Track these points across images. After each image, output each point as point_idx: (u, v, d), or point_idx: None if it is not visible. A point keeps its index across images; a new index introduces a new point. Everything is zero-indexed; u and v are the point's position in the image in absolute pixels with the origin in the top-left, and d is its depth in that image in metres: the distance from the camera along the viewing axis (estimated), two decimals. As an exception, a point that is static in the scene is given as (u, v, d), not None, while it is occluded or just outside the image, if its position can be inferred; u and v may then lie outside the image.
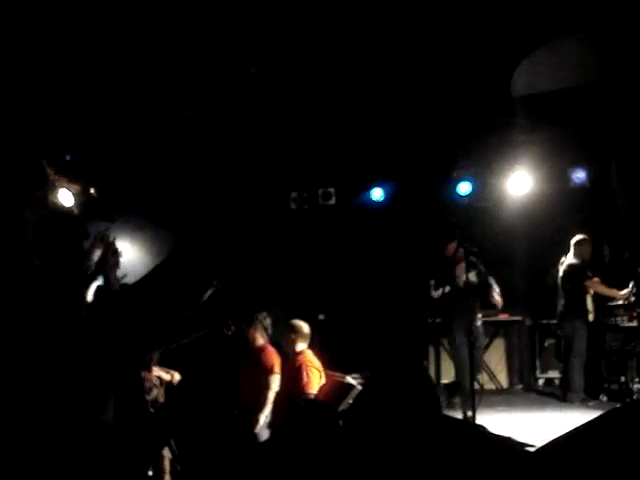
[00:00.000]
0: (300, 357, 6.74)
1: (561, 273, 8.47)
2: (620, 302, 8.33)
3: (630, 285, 7.99)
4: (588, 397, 8.16)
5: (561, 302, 8.44)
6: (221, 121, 8.45)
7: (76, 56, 6.87)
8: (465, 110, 8.55)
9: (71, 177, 7.92)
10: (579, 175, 9.18)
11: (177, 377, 6.58)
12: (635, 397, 7.60)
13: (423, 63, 7.71)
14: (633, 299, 8.00)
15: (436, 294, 8.23)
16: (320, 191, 9.77)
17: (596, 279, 8.39)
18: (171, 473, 5.88)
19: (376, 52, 7.45)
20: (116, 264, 4.01)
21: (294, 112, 8.60)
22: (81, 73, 7.09)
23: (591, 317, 8.38)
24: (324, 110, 8.60)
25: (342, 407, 5.40)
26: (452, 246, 7.78)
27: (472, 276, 7.57)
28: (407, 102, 8.42)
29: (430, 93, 8.21)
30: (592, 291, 8.42)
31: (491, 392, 9.08)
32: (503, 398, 8.74)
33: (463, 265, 7.29)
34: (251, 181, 9.52)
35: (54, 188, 5.12)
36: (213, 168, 8.97)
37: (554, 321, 8.91)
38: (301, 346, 6.84)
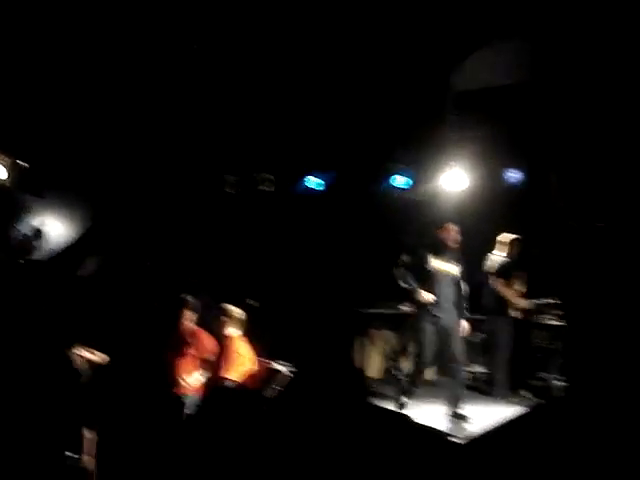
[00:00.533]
0: (227, 342, 6.68)
1: (486, 269, 8.57)
2: (547, 301, 8.49)
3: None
4: (512, 393, 8.30)
5: (486, 298, 8.54)
6: (161, 99, 8.31)
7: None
8: (406, 104, 8.59)
9: (2, 150, 7.70)
10: (514, 175, 9.33)
11: (102, 358, 6.44)
12: (556, 394, 7.78)
13: (367, 56, 7.71)
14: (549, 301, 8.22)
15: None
16: (257, 176, 9.71)
17: (501, 279, 8.48)
18: (95, 455, 5.75)
19: (319, 39, 7.41)
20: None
21: (238, 97, 8.51)
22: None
23: (516, 314, 8.48)
24: (267, 96, 8.54)
25: (268, 393, 5.38)
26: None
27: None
28: (349, 94, 8.42)
29: (372, 86, 8.23)
30: (515, 287, 8.51)
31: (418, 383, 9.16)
32: (429, 390, 8.82)
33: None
34: (186, 163, 9.39)
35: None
36: (148, 146, 8.81)
37: (479, 316, 9.03)
38: (231, 331, 6.78)
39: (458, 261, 7.39)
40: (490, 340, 8.54)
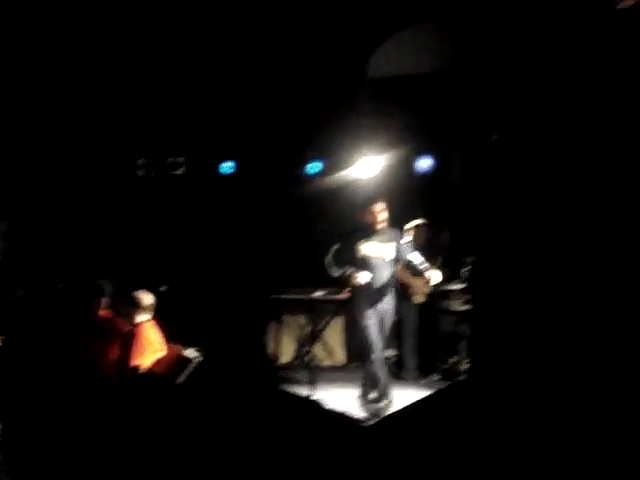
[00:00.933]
0: (136, 329, 6.57)
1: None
2: (455, 287, 8.67)
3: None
4: (421, 376, 8.48)
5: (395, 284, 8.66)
6: (72, 83, 8.08)
7: None
8: (320, 90, 8.61)
9: None
10: (424, 163, 9.50)
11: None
12: (463, 377, 8.00)
13: (280, 41, 7.67)
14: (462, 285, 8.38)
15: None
16: (169, 160, 9.57)
17: (402, 267, 8.60)
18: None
19: (228, 24, 7.33)
20: None
21: (152, 82, 8.36)
22: None
23: (420, 299, 8.62)
24: (183, 81, 8.41)
25: (180, 380, 5.33)
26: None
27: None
28: (263, 80, 8.38)
29: (286, 73, 8.21)
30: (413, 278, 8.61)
31: (329, 369, 9.25)
32: (340, 375, 8.92)
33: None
34: (96, 147, 9.18)
35: None
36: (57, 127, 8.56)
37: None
38: (141, 317, 6.68)
39: (390, 240, 7.30)
40: (399, 325, 8.67)
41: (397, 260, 7.35)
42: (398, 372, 8.60)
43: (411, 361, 8.51)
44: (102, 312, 6.78)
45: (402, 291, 8.43)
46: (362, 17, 7.02)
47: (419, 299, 8.61)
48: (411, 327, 8.50)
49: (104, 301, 6.82)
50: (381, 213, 7.22)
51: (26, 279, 7.42)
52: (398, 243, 7.32)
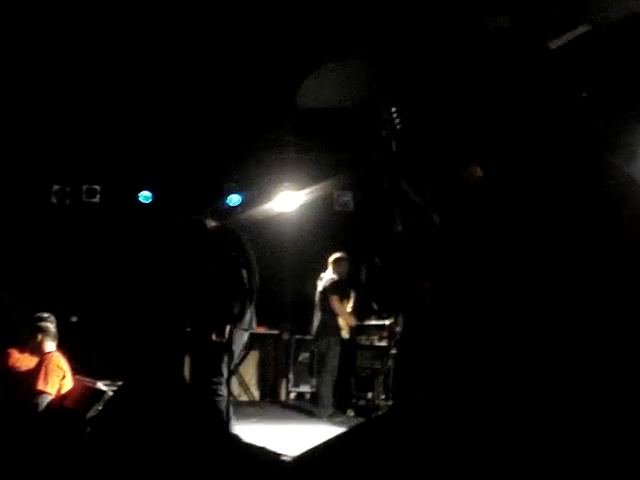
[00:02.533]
0: (46, 357, 6.36)
1: (320, 289, 8.68)
2: (373, 322, 8.70)
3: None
4: (337, 412, 8.42)
5: (317, 318, 8.63)
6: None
7: None
8: (242, 123, 8.57)
9: None
10: (344, 198, 9.58)
11: None
12: (380, 412, 7.97)
13: (200, 73, 7.61)
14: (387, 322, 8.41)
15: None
16: (84, 187, 9.34)
17: (335, 296, 8.63)
18: None
19: (150, 54, 7.21)
20: None
21: (69, 107, 8.14)
22: None
23: (345, 334, 8.62)
24: (103, 108, 8.23)
25: (91, 414, 5.14)
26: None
27: None
28: (186, 109, 8.29)
29: (209, 104, 8.14)
30: (344, 308, 8.64)
31: (244, 404, 9.13)
32: (256, 410, 8.79)
33: None
34: (7, 171, 8.90)
35: None
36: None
37: (309, 336, 9.14)
38: (50, 346, 6.47)
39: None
40: (319, 360, 8.63)
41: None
42: (314, 409, 8.53)
43: (327, 397, 8.43)
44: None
45: (328, 326, 8.44)
46: (289, 47, 7.04)
47: (345, 335, 8.59)
48: (334, 362, 8.44)
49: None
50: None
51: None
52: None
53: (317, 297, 8.70)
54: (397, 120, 3.32)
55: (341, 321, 8.56)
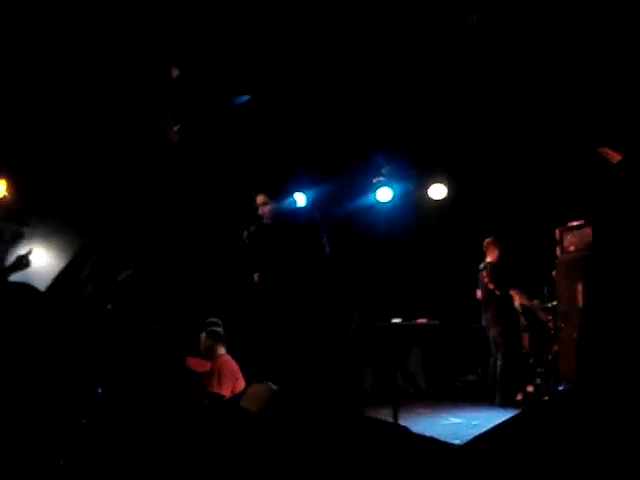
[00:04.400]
0: (219, 361, 6.69)
1: (487, 278, 8.56)
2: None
3: (545, 290, 8.11)
4: (507, 398, 8.28)
5: (488, 305, 8.55)
6: None
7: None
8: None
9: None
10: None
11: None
12: (547, 397, 7.79)
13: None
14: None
15: None
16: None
17: (503, 281, 8.45)
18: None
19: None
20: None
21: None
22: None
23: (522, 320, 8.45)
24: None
25: (263, 412, 5.36)
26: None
27: None
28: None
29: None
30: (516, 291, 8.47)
31: (411, 395, 9.18)
32: (423, 401, 8.84)
33: None
34: None
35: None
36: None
37: (474, 325, 9.05)
38: (221, 350, 6.80)
39: None
40: (495, 347, 8.51)
41: None
42: (490, 397, 8.38)
43: (507, 384, 8.32)
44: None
45: (503, 312, 8.35)
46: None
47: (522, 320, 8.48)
48: (513, 349, 8.41)
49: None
50: None
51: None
52: None
53: (482, 284, 8.61)
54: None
55: (517, 304, 8.42)
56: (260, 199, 6.00)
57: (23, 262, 3.80)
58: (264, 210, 5.97)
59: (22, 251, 3.93)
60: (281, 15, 6.25)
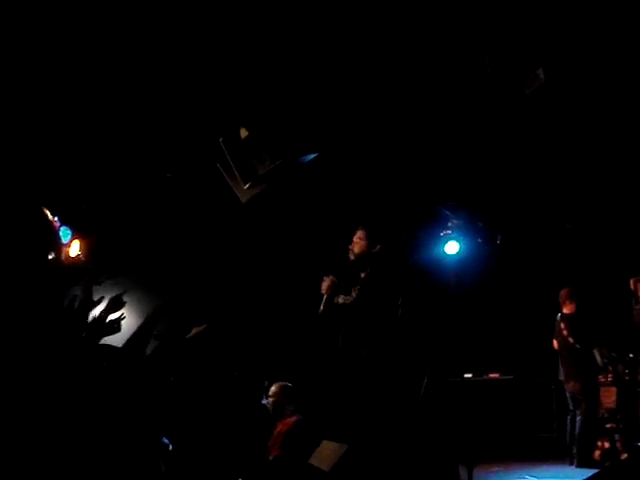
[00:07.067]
0: (289, 419, 6.67)
1: (565, 331, 8.30)
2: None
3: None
4: (584, 456, 8.00)
5: (566, 359, 8.32)
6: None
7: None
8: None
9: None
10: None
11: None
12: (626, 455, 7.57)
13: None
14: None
15: None
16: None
17: (583, 333, 8.25)
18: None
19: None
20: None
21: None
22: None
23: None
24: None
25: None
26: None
27: None
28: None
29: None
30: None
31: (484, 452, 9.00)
32: (498, 460, 8.66)
33: None
34: None
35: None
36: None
37: (548, 379, 8.86)
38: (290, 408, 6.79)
39: None
40: (574, 404, 8.31)
41: None
42: (579, 457, 8.09)
43: (583, 442, 8.05)
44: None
45: (580, 366, 8.16)
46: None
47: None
48: (594, 405, 8.13)
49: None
50: None
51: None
52: None
53: (560, 336, 8.36)
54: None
55: (598, 359, 8.16)
56: (359, 233, 6.15)
57: (114, 326, 3.89)
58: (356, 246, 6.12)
59: (114, 316, 4.02)
60: (347, 76, 6.36)
